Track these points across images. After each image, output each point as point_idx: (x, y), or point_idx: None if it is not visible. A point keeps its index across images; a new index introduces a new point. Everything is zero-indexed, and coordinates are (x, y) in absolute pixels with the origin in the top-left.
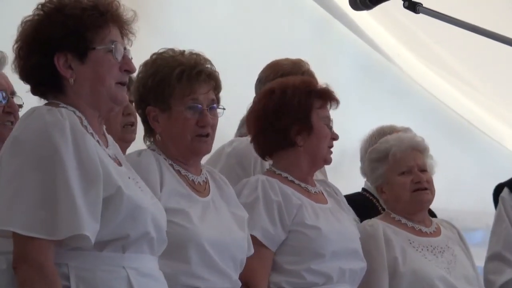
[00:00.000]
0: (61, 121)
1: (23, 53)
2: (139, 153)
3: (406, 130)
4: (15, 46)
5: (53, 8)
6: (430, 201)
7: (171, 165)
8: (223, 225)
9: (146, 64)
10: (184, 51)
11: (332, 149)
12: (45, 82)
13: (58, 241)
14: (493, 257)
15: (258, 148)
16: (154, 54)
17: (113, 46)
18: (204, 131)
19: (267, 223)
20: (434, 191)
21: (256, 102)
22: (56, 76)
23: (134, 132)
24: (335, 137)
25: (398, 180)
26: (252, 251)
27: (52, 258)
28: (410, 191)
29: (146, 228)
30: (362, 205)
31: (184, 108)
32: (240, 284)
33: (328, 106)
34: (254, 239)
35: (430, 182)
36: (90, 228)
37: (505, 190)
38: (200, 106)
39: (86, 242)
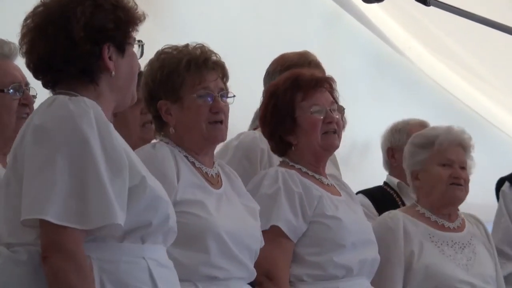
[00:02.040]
0: (86, 111)
1: (67, 37)
2: (153, 145)
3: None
4: (46, 26)
5: None
6: (462, 199)
7: (186, 156)
8: (238, 216)
9: (151, 62)
10: (187, 44)
11: (334, 134)
12: (88, 71)
13: (88, 231)
14: None
15: (273, 150)
16: (157, 51)
17: (140, 43)
18: (218, 117)
19: (289, 214)
20: (468, 191)
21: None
22: (97, 66)
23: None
24: (329, 120)
25: (438, 170)
26: (263, 243)
27: (83, 248)
28: (447, 184)
29: (167, 217)
30: (381, 200)
31: (196, 96)
32: (255, 273)
33: (317, 92)
34: (276, 229)
35: (466, 181)
36: (121, 217)
37: (506, 184)
38: (211, 93)
39: (116, 231)
